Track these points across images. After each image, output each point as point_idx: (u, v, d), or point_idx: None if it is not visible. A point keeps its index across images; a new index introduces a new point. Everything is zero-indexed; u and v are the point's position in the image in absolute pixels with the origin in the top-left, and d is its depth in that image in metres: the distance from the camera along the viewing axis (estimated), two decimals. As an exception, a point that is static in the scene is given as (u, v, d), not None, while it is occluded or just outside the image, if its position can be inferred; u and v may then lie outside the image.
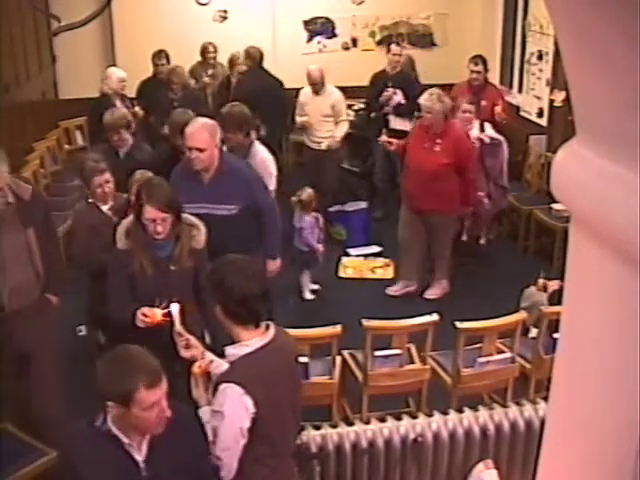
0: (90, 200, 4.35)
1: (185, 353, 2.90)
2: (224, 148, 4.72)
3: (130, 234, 3.56)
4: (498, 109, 7.01)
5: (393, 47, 7.55)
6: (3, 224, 3.56)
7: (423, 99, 5.69)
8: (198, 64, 8.03)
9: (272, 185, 4.95)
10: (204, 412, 2.71)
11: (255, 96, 6.40)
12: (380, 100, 7.32)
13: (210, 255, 3.52)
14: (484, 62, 7.13)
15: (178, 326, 2.96)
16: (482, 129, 6.28)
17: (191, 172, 4.31)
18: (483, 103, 6.89)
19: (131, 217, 3.61)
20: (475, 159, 5.91)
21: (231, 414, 2.55)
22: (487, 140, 6.19)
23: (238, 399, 2.54)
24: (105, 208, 4.33)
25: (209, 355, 2.90)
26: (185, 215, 3.66)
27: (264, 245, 4.46)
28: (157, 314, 3.31)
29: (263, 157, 5.11)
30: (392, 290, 6.07)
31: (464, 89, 7.08)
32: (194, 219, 3.70)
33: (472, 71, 7.10)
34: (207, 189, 4.30)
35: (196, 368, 2.81)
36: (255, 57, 7.47)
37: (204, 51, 8.05)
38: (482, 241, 6.61)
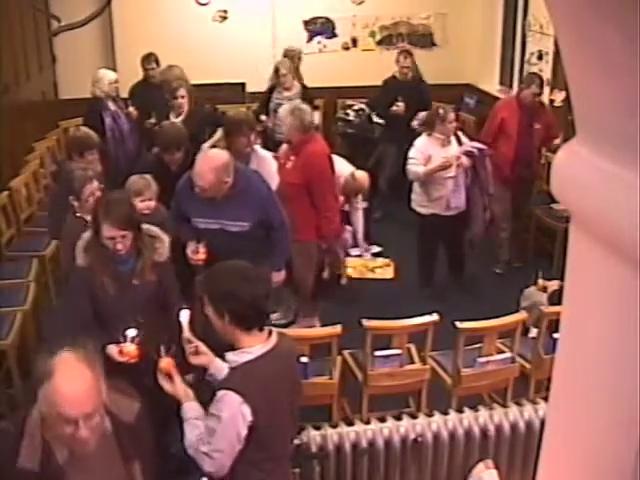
0: (78, 214, 4.12)
1: (194, 360, 2.85)
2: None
3: (89, 250, 3.41)
4: (558, 141, 6.16)
5: (401, 60, 7.49)
6: (96, 459, 2.26)
7: (280, 109, 5.21)
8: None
9: (274, 185, 4.96)
10: (190, 408, 2.68)
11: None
12: (391, 111, 7.33)
13: None
14: (542, 81, 6.29)
15: (187, 332, 2.91)
16: (459, 142, 5.88)
17: None
18: (537, 126, 6.20)
19: (89, 231, 3.46)
20: (328, 181, 5.07)
21: (229, 421, 2.54)
22: (475, 152, 5.77)
23: (237, 407, 2.53)
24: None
25: (218, 362, 2.87)
26: (147, 226, 3.54)
27: (271, 257, 4.36)
28: (131, 350, 3.22)
29: (266, 158, 5.13)
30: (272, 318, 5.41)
31: (513, 107, 6.28)
32: (156, 230, 3.56)
33: (534, 94, 6.19)
34: (220, 204, 4.15)
35: (162, 363, 2.77)
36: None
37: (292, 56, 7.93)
38: (343, 281, 5.58)
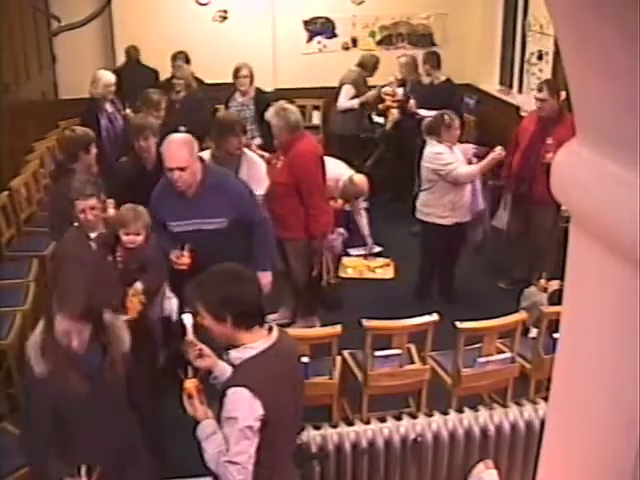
0: (76, 224, 3.93)
1: (199, 363, 2.83)
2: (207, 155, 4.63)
3: (47, 351, 2.83)
4: (550, 156, 5.08)
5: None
6: None
7: (267, 112, 5.17)
8: (359, 75, 7.83)
9: (263, 189, 4.94)
10: (206, 425, 2.67)
11: (131, 88, 6.66)
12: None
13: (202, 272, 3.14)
14: (551, 88, 5.57)
15: (190, 336, 2.89)
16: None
17: (173, 189, 4.11)
18: (549, 141, 5.34)
19: (41, 327, 2.89)
20: (315, 180, 5.04)
21: (243, 416, 2.53)
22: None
23: (249, 401, 2.52)
24: (93, 236, 3.95)
25: (222, 364, 2.85)
26: (107, 314, 3.02)
27: (255, 257, 4.23)
28: None
29: (256, 161, 5.12)
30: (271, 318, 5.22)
31: (533, 120, 5.81)
32: (111, 316, 3.06)
33: (536, 99, 5.69)
34: (193, 204, 4.11)
35: (189, 382, 2.74)
36: (130, 53, 8.07)
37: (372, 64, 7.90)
38: (323, 283, 5.33)
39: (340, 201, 6.14)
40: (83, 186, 3.90)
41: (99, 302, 2.91)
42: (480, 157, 5.88)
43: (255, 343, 2.64)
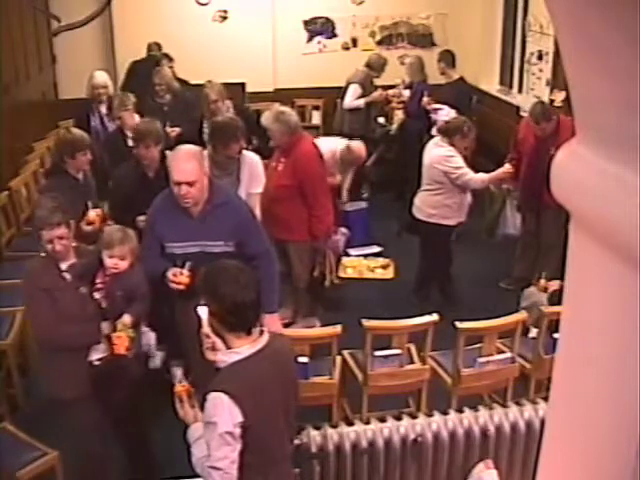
0: (43, 254, 3.46)
1: (211, 355, 2.78)
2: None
3: None
4: None
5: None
6: None
7: (262, 118, 5.12)
8: (367, 75, 7.79)
9: (260, 188, 4.92)
10: (195, 429, 2.68)
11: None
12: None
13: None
14: (547, 117, 5.57)
15: (206, 328, 2.89)
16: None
17: (176, 205, 3.73)
18: (552, 152, 5.75)
19: None
20: (319, 181, 5.05)
21: (222, 422, 2.52)
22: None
23: (227, 407, 2.52)
24: (64, 266, 3.44)
25: None
26: None
27: (261, 297, 3.42)
28: None
29: (255, 160, 5.09)
30: None
31: (530, 130, 5.77)
32: None
33: (536, 129, 5.67)
34: (198, 224, 3.75)
35: (179, 387, 2.76)
36: (151, 49, 7.96)
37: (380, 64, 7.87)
38: (326, 283, 5.40)
39: (339, 177, 6.04)
40: (49, 214, 3.36)
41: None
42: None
43: (241, 348, 2.63)
